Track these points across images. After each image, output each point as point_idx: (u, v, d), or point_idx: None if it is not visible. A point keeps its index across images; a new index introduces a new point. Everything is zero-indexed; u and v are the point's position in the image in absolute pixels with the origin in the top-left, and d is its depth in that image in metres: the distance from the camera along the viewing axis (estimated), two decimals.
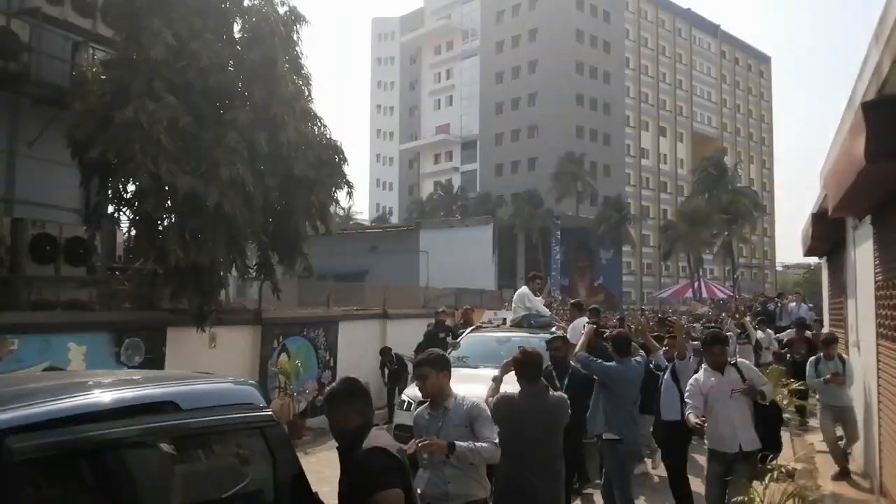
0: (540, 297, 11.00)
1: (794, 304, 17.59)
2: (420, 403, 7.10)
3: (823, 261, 12.80)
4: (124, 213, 9.15)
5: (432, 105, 75.33)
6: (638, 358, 6.67)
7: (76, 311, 8.85)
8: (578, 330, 8.13)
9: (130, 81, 8.13)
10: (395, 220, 69.40)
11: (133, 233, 9.18)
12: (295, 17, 9.68)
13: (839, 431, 8.57)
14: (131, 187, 8.65)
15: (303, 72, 10.10)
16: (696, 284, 45.52)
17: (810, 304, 18.20)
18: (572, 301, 12.15)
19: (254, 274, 10.28)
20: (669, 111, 72.91)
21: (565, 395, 5.13)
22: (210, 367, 9.48)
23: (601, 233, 51.20)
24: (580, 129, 60.99)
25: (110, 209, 9.48)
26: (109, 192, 8.69)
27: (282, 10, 9.61)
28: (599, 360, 6.52)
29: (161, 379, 3.13)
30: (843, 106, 6.97)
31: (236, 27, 9.63)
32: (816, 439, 9.61)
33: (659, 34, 72.52)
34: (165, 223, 8.77)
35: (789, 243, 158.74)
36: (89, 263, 9.74)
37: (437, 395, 4.10)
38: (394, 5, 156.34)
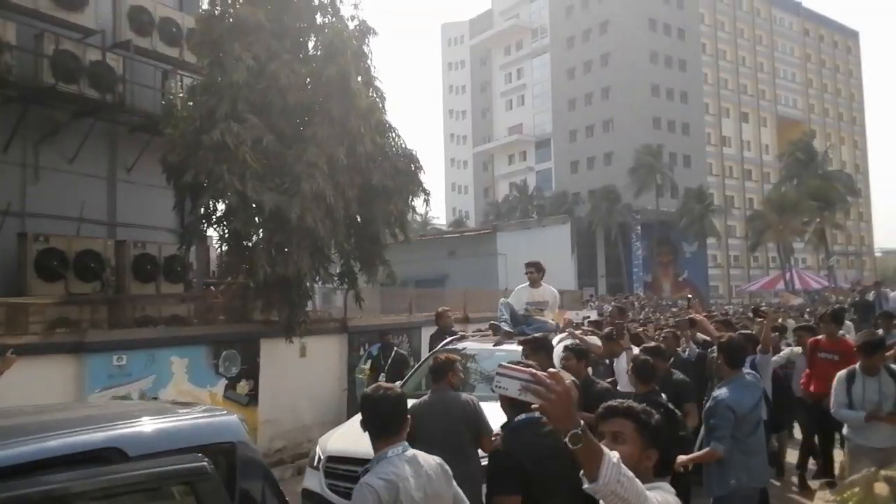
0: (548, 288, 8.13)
1: (895, 293, 16.62)
2: (331, 459, 5.68)
3: None
4: (216, 230, 9.60)
5: (504, 106, 75.19)
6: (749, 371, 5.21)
7: (176, 326, 9.35)
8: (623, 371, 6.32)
9: (216, 105, 8.52)
10: (471, 223, 69.56)
11: (224, 249, 9.63)
12: (365, 31, 9.91)
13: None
14: (221, 206, 9.08)
15: (376, 83, 10.32)
16: (787, 275, 43.63)
17: None
18: (616, 305, 7.84)
19: (338, 283, 10.57)
20: (751, 95, 70.08)
21: (472, 398, 4.80)
22: (301, 376, 9.87)
23: (684, 226, 49.74)
24: (657, 121, 59.40)
25: (207, 228, 9.93)
26: (202, 210, 9.12)
27: (352, 24, 9.86)
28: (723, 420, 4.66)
29: (113, 417, 2.46)
30: None
31: (310, 45, 9.94)
32: None
33: (736, 16, 69.86)
34: (253, 239, 9.14)
35: (889, 227, 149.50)
36: (186, 280, 10.28)
37: None
38: (463, 9, 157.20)
